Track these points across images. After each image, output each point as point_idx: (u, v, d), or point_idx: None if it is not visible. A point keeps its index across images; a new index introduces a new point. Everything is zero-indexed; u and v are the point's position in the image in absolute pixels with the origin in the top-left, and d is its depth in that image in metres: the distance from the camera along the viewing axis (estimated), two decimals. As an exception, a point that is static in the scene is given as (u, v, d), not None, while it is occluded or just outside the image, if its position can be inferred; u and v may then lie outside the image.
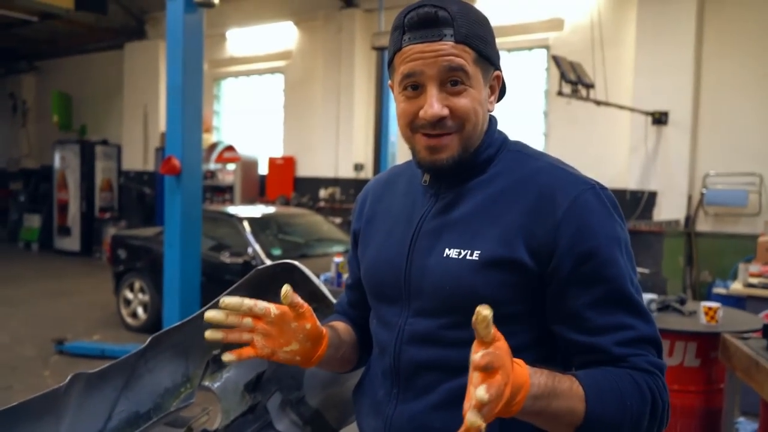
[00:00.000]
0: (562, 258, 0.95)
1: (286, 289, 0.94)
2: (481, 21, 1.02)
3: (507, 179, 1.03)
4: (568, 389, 0.88)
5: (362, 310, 1.23)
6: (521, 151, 1.08)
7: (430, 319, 1.02)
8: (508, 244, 0.97)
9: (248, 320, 0.97)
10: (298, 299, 0.98)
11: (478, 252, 0.98)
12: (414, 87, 1.00)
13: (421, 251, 1.04)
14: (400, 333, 1.05)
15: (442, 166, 1.02)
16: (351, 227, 1.26)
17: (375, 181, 1.24)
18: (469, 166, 1.05)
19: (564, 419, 0.89)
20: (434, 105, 0.98)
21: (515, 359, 0.82)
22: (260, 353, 0.98)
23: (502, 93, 1.11)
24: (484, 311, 0.75)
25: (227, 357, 0.96)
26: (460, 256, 0.99)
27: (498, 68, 1.06)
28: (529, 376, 0.83)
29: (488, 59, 1.02)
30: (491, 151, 1.06)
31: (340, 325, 1.21)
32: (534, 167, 1.03)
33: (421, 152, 1.03)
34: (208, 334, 0.96)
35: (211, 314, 0.95)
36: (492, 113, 1.10)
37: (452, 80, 0.98)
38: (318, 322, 1.03)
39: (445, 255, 1.01)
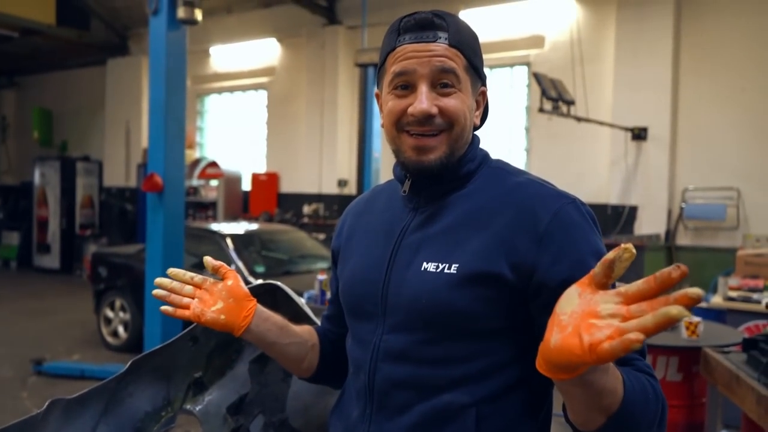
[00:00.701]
0: (547, 272, 0.93)
1: (206, 259, 1.09)
2: (473, 35, 1.05)
3: (487, 194, 1.03)
4: (614, 368, 0.83)
5: (337, 325, 1.23)
6: (502, 167, 1.08)
7: (405, 335, 1.00)
8: (488, 258, 0.95)
9: (189, 288, 1.08)
10: (219, 263, 1.09)
11: (456, 265, 0.96)
12: (404, 87, 1.01)
13: (400, 265, 1.02)
14: (375, 350, 1.03)
15: (429, 167, 1.01)
16: (331, 246, 1.25)
17: (356, 201, 1.25)
18: (450, 178, 1.05)
19: (605, 400, 0.82)
20: (424, 101, 0.98)
21: None
22: (193, 312, 1.05)
23: (485, 114, 1.13)
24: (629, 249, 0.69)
25: (164, 308, 1.07)
26: (438, 270, 0.97)
27: (484, 85, 1.08)
28: None
29: (477, 71, 1.04)
30: (472, 166, 1.06)
31: (304, 327, 1.20)
32: (514, 182, 1.03)
33: (407, 152, 1.02)
34: (155, 292, 1.08)
35: (159, 279, 1.08)
36: (475, 131, 1.11)
37: (443, 82, 0.99)
38: (242, 284, 1.09)
39: (422, 268, 0.99)
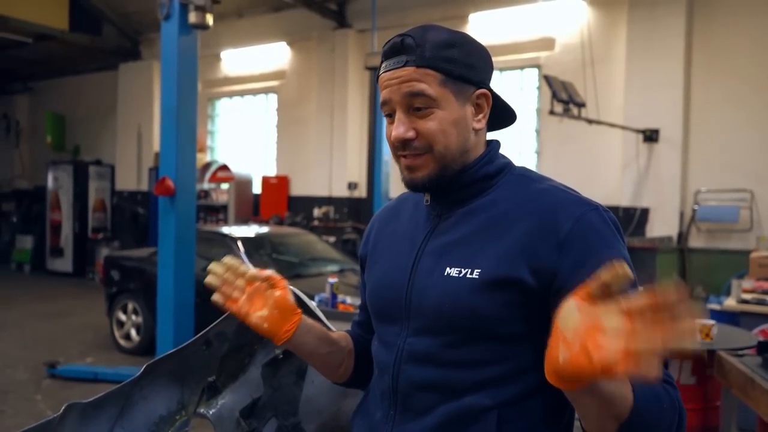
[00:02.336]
0: (568, 278, 0.93)
1: (252, 272, 1.10)
2: (456, 43, 1.04)
3: (509, 200, 1.04)
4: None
5: (367, 331, 1.25)
6: (525, 174, 1.09)
7: (429, 338, 1.02)
8: (509, 263, 0.97)
9: (241, 282, 1.10)
10: (271, 273, 1.11)
11: (479, 270, 0.98)
12: (389, 114, 1.06)
13: (423, 271, 1.05)
14: (399, 352, 1.06)
15: (419, 184, 1.05)
16: (359, 253, 1.30)
17: (384, 208, 1.28)
18: (465, 183, 1.06)
19: (616, 409, 0.83)
20: (399, 128, 1.03)
21: None
22: (239, 310, 1.09)
23: (508, 116, 1.14)
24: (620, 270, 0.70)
25: (215, 297, 1.10)
26: (461, 275, 0.99)
27: (482, 87, 1.06)
28: None
29: (462, 79, 1.03)
30: (490, 169, 1.07)
31: (340, 333, 1.24)
32: (537, 189, 1.04)
33: (402, 172, 1.08)
34: (208, 279, 1.11)
35: (213, 266, 1.11)
36: (496, 138, 1.14)
37: (415, 106, 1.02)
38: (290, 296, 1.12)
39: (446, 273, 1.01)
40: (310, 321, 1.15)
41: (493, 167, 1.08)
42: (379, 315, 1.14)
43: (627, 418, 0.83)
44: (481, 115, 1.07)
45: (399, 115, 1.03)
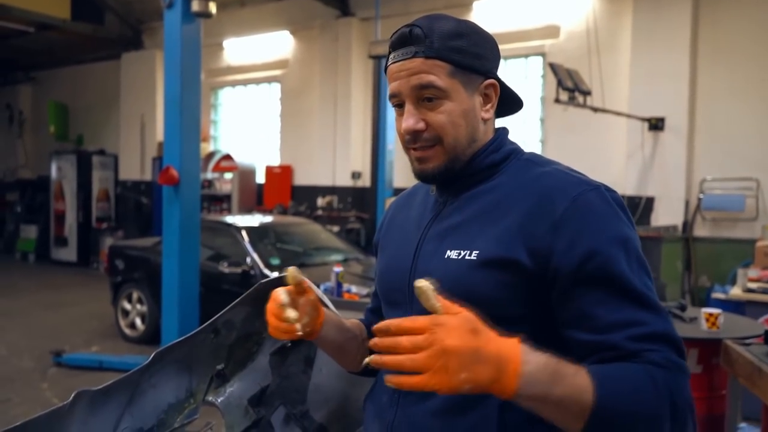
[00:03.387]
0: (563, 258, 0.94)
1: (291, 271, 1.04)
2: (464, 32, 1.04)
3: (511, 184, 1.04)
4: (573, 375, 0.84)
5: (379, 317, 1.26)
6: (531, 159, 1.09)
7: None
8: (506, 244, 0.97)
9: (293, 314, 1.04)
10: (301, 278, 1.05)
11: (477, 252, 0.99)
12: (399, 106, 1.06)
13: (426, 254, 1.07)
14: None
15: (430, 175, 1.07)
16: (374, 240, 1.32)
17: (400, 196, 1.30)
18: (471, 172, 1.08)
19: (571, 409, 0.83)
20: (408, 120, 1.03)
21: (510, 338, 0.83)
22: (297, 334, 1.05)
23: (514, 103, 1.15)
24: (419, 283, 0.82)
25: (285, 336, 1.06)
26: (460, 257, 1.00)
27: (490, 76, 1.07)
28: (521, 354, 0.81)
29: (471, 69, 1.03)
30: (496, 157, 1.08)
31: (353, 321, 1.24)
32: (539, 172, 1.03)
33: (413, 163, 1.09)
34: (291, 315, 1.04)
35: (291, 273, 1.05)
36: (504, 126, 1.14)
37: (426, 97, 1.02)
38: (316, 292, 1.12)
39: (446, 256, 1.02)
40: (328, 312, 1.15)
41: (500, 155, 1.08)
42: (386, 299, 1.16)
43: (591, 414, 0.83)
44: (489, 105, 1.07)
45: (408, 107, 1.03)
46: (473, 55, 1.04)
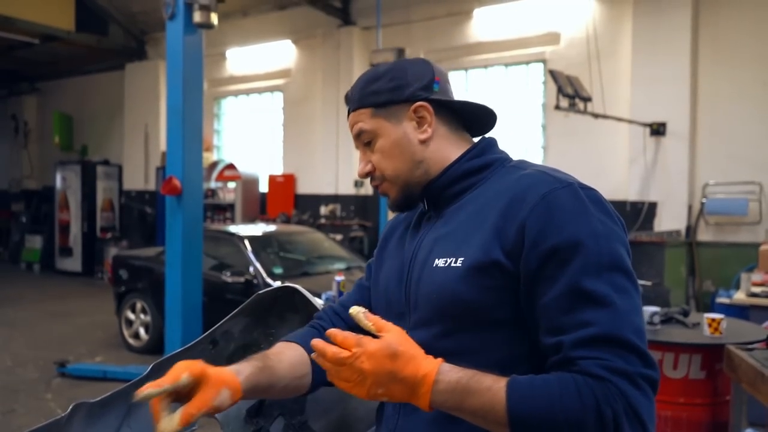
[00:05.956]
0: (527, 256, 0.95)
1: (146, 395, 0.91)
2: (380, 75, 1.13)
3: (493, 189, 1.07)
4: (486, 389, 0.90)
5: (332, 321, 1.26)
6: (515, 165, 1.12)
7: (425, 330, 1.05)
8: (486, 248, 0.99)
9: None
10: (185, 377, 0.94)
11: (462, 259, 1.01)
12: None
13: (418, 264, 1.11)
14: None
15: (395, 205, 1.17)
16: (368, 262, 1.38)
17: (396, 215, 1.33)
18: (448, 183, 1.12)
19: (487, 418, 0.90)
20: (359, 165, 1.17)
21: (435, 359, 0.94)
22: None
23: (482, 115, 1.17)
24: (352, 311, 0.95)
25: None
26: (446, 264, 1.03)
27: (414, 100, 1.11)
28: (436, 372, 0.91)
29: (389, 103, 1.12)
30: (475, 164, 1.12)
31: (285, 354, 1.15)
32: (519, 175, 1.05)
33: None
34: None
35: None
36: (488, 136, 1.19)
37: (365, 142, 1.15)
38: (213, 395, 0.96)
39: (434, 265, 1.05)
40: (251, 374, 1.03)
41: (479, 161, 1.12)
42: (387, 312, 1.16)
43: (508, 422, 0.88)
44: (425, 125, 1.12)
45: (359, 154, 1.17)
46: (388, 90, 1.12)
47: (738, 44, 6.33)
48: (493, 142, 1.17)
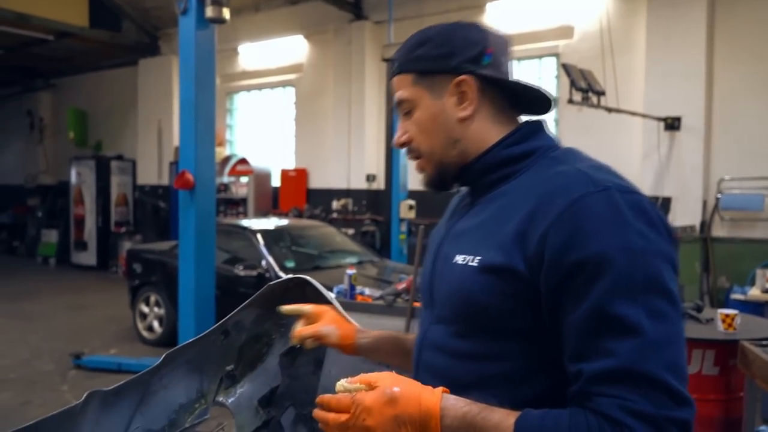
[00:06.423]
0: (548, 270, 0.86)
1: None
2: (427, 39, 1.03)
3: (526, 185, 0.97)
4: (494, 426, 0.84)
5: None
6: (557, 157, 1.00)
7: (443, 327, 1.02)
8: (506, 250, 0.91)
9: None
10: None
11: (479, 258, 0.95)
12: None
13: (441, 257, 1.06)
14: (423, 338, 1.07)
15: (428, 183, 1.09)
16: None
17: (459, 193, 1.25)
18: (488, 168, 1.03)
19: None
20: (396, 135, 1.09)
21: (435, 389, 0.90)
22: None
23: (534, 97, 1.06)
24: (337, 387, 0.93)
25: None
26: (464, 262, 0.97)
27: (458, 72, 1.01)
28: (440, 407, 0.87)
29: (432, 72, 1.02)
30: (514, 151, 1.01)
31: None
32: (556, 171, 0.95)
33: None
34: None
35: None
36: (533, 119, 1.07)
37: (404, 111, 1.07)
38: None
39: (454, 261, 1.00)
40: (374, 334, 1.26)
41: (519, 149, 1.02)
42: (423, 300, 1.15)
43: None
44: (466, 103, 1.02)
45: (399, 123, 1.08)
46: (432, 58, 1.02)
47: (754, 38, 6.25)
48: (537, 127, 1.06)
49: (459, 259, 0.99)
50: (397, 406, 0.87)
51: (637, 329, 0.80)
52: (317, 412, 0.92)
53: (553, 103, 1.09)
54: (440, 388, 0.90)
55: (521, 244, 0.90)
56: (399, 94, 1.05)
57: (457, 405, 0.87)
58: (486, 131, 1.04)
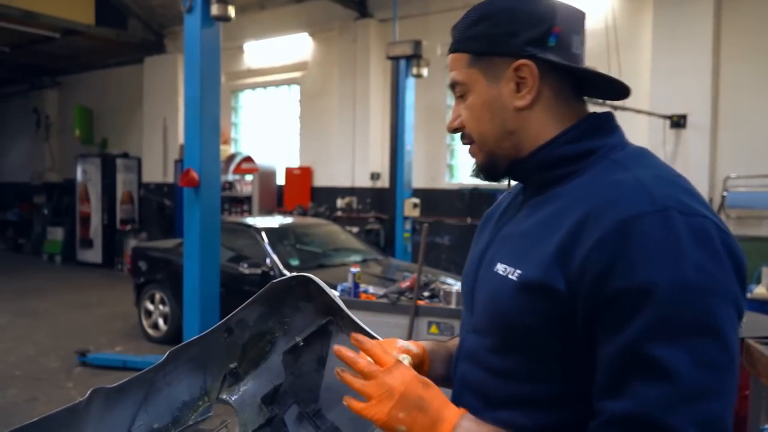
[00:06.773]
0: (588, 293, 0.78)
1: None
2: (488, 15, 0.92)
3: (580, 191, 0.86)
4: None
5: None
6: (619, 160, 0.88)
7: (478, 337, 0.96)
8: (546, 267, 0.83)
9: None
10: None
11: (519, 272, 0.87)
12: None
13: (485, 262, 0.98)
14: (460, 347, 1.03)
15: (476, 171, 1.00)
16: None
17: (514, 186, 1.14)
18: (543, 165, 0.93)
19: None
20: (449, 119, 1.00)
21: (457, 408, 0.86)
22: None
23: (605, 84, 0.96)
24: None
25: None
26: (505, 273, 0.89)
27: (518, 56, 0.90)
28: (456, 424, 0.83)
29: (489, 53, 0.92)
30: (569, 150, 0.91)
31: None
32: (614, 179, 0.84)
33: None
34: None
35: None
36: (599, 111, 0.97)
37: (458, 94, 0.97)
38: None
39: (495, 269, 0.92)
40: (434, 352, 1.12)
41: (576, 148, 0.90)
42: (462, 301, 1.09)
43: None
44: (524, 90, 0.91)
45: (453, 106, 0.99)
46: (491, 37, 0.91)
47: (761, 35, 6.21)
48: (601, 123, 0.94)
49: (500, 268, 0.91)
50: (428, 390, 0.86)
51: (672, 375, 0.71)
52: (344, 351, 0.89)
53: (629, 91, 0.96)
54: (462, 410, 0.87)
55: (563, 262, 0.81)
56: (452, 75, 0.95)
57: (471, 427, 0.84)
58: (544, 124, 0.93)
